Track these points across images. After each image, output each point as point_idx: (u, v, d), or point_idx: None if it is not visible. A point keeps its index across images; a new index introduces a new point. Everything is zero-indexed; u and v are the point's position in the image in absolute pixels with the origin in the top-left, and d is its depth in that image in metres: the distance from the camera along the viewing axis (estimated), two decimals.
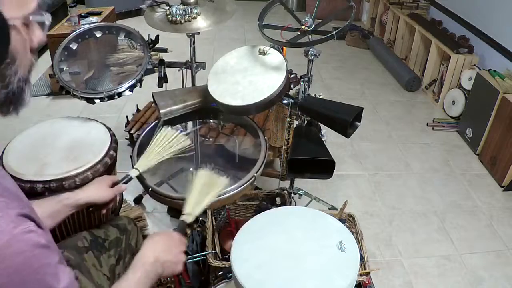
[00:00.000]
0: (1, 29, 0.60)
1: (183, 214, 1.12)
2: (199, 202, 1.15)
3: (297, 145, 1.63)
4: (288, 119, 1.76)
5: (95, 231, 1.21)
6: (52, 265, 0.62)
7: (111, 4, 3.90)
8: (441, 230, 2.20)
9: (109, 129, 1.56)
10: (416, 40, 3.68)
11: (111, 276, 1.14)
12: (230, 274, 1.16)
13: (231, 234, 1.75)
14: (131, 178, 1.24)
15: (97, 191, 1.13)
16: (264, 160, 1.46)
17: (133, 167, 1.28)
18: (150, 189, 1.37)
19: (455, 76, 3.15)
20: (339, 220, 1.36)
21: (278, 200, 1.90)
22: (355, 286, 1.08)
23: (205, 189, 1.18)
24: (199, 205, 1.15)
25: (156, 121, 1.67)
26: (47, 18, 0.70)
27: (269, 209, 1.24)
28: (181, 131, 1.63)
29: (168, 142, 1.34)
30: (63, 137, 1.48)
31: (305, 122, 1.76)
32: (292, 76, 1.63)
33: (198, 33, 1.83)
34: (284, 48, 1.58)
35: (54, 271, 0.62)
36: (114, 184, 1.18)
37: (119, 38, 1.84)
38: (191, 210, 1.13)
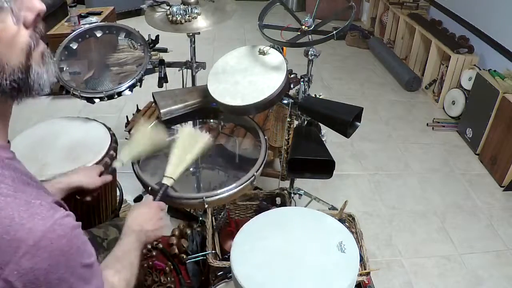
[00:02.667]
0: None
1: (164, 176, 1.20)
2: (181, 162, 1.22)
3: (297, 145, 1.63)
4: (288, 119, 1.76)
5: (94, 230, 1.21)
6: (88, 243, 0.67)
7: (111, 4, 3.90)
8: (441, 230, 2.20)
9: (109, 129, 1.55)
10: (416, 40, 3.68)
11: None
12: (230, 274, 1.16)
13: (231, 234, 1.75)
14: (114, 169, 1.30)
15: (86, 177, 1.18)
16: (264, 159, 1.45)
17: (117, 159, 1.31)
18: (150, 188, 1.37)
19: (455, 76, 3.15)
20: (339, 220, 1.36)
21: (278, 200, 1.90)
22: (355, 286, 1.08)
23: (187, 148, 1.24)
24: (180, 165, 1.22)
25: (156, 121, 1.67)
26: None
27: (269, 209, 1.24)
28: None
29: (146, 136, 1.36)
30: (63, 137, 1.48)
31: (305, 122, 1.76)
32: (292, 76, 1.63)
33: (198, 33, 1.83)
34: (284, 48, 1.58)
35: (88, 247, 0.67)
36: (101, 174, 1.24)
37: (119, 38, 1.84)
38: (173, 172, 1.20)
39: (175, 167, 1.23)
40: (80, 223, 0.64)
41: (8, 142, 0.69)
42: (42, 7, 0.61)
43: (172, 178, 1.22)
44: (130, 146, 1.31)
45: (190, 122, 1.39)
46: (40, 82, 0.64)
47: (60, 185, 1.10)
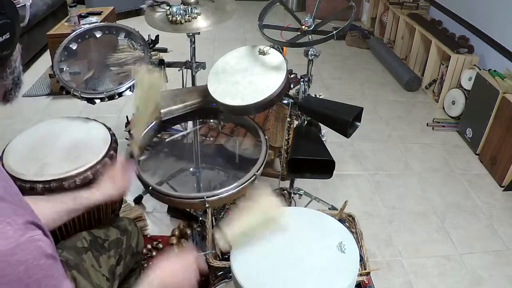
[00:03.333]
0: (18, 20, 0.65)
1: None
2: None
3: (297, 145, 1.63)
4: (288, 119, 1.76)
5: (95, 231, 1.21)
6: (55, 277, 0.61)
7: (111, 4, 3.90)
8: (441, 230, 2.20)
9: (109, 129, 1.55)
10: (416, 40, 3.68)
11: (110, 277, 1.14)
12: (230, 274, 1.16)
13: None
14: (132, 155, 1.21)
15: (113, 185, 1.12)
16: (264, 159, 1.46)
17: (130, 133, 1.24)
18: (150, 188, 1.37)
19: (455, 76, 3.14)
20: (339, 220, 1.36)
21: None
22: (355, 286, 1.08)
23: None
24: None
25: (156, 121, 1.67)
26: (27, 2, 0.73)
27: None
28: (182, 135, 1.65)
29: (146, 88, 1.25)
30: (63, 137, 1.48)
31: (305, 122, 1.76)
32: (292, 76, 1.63)
33: (198, 33, 1.83)
34: (284, 48, 1.58)
35: (57, 283, 0.61)
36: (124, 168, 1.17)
37: (119, 38, 1.84)
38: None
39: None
40: (52, 252, 0.59)
41: None
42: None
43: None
44: (138, 121, 1.28)
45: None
46: (21, 83, 0.73)
47: (87, 201, 1.07)
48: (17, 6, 0.70)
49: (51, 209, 0.98)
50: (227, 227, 1.01)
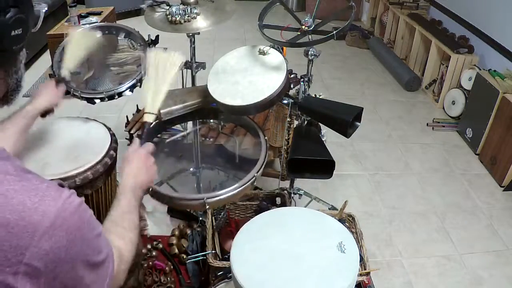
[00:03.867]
0: (32, 17, 0.67)
1: (145, 113, 1.15)
2: (157, 94, 1.17)
3: (297, 145, 1.63)
4: (288, 119, 1.76)
5: None
6: (92, 214, 0.68)
7: (111, 4, 3.90)
8: (441, 230, 2.20)
9: (109, 129, 1.55)
10: (416, 40, 3.68)
11: None
12: (230, 274, 1.16)
13: (231, 234, 1.75)
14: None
15: (49, 97, 1.29)
16: (264, 160, 1.45)
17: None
18: (150, 189, 1.36)
19: (455, 76, 3.15)
20: (339, 220, 1.36)
21: (278, 200, 1.90)
22: (355, 286, 1.08)
23: (160, 75, 1.18)
24: (158, 97, 1.17)
25: (156, 121, 1.67)
26: (43, 8, 0.76)
27: (269, 209, 1.24)
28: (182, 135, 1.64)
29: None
30: (63, 137, 1.48)
31: (305, 122, 1.76)
32: (292, 76, 1.63)
33: (198, 33, 1.83)
34: (284, 48, 1.58)
35: (94, 218, 0.68)
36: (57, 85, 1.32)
37: (119, 38, 1.84)
38: (152, 107, 1.15)
39: (153, 101, 1.17)
40: (83, 198, 0.68)
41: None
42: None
43: (153, 113, 1.16)
44: (69, 53, 1.38)
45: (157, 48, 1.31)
46: (22, 85, 0.74)
47: (32, 113, 1.21)
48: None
49: (14, 133, 1.15)
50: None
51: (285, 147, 1.85)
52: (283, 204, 1.87)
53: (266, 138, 1.56)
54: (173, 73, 1.21)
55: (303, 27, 1.55)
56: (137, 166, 1.04)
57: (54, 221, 0.58)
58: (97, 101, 1.65)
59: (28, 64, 3.57)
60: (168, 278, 1.75)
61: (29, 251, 0.56)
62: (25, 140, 1.40)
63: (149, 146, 1.10)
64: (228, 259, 1.09)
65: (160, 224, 2.07)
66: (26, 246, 0.55)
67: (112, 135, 1.52)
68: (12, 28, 0.61)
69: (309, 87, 1.67)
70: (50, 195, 0.60)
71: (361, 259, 1.46)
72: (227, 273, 1.41)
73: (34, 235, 0.56)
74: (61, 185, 0.65)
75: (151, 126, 1.16)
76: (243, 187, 1.36)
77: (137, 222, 0.93)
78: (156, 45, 1.84)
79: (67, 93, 1.65)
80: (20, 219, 0.56)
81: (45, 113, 1.31)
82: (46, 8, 0.75)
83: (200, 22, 1.71)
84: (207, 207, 1.33)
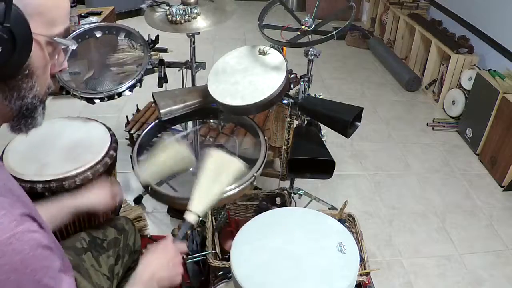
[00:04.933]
0: (24, 40, 0.60)
1: (188, 210, 1.05)
2: (208, 195, 1.07)
3: (297, 145, 1.63)
4: (288, 119, 1.76)
5: (93, 231, 1.21)
6: (52, 269, 0.61)
7: (111, 4, 3.90)
8: (441, 230, 2.20)
9: (109, 129, 1.56)
10: (416, 40, 3.68)
11: (110, 276, 1.14)
12: (230, 274, 1.16)
13: (231, 234, 1.75)
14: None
15: (98, 199, 1.15)
16: (264, 160, 1.45)
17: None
18: (150, 188, 1.37)
19: (455, 76, 3.14)
20: (339, 220, 1.36)
21: (278, 200, 1.90)
22: (355, 286, 1.08)
23: (216, 176, 1.08)
24: (207, 198, 1.06)
25: (156, 121, 1.67)
26: (72, 44, 0.71)
27: (269, 209, 1.24)
28: (182, 135, 1.63)
29: (174, 158, 1.24)
30: (63, 137, 1.48)
31: (305, 122, 1.76)
32: (292, 76, 1.63)
33: (198, 33, 1.83)
34: (284, 48, 1.58)
35: (54, 275, 0.61)
36: (115, 194, 1.19)
37: (119, 38, 1.84)
38: (198, 208, 1.05)
39: (201, 200, 1.06)
40: (48, 243, 0.61)
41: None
42: (66, 67, 0.74)
43: (197, 215, 1.06)
44: (153, 167, 1.24)
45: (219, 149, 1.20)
46: (38, 121, 0.73)
47: (69, 208, 1.09)
48: (62, 47, 0.69)
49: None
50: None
51: (285, 147, 1.85)
52: (283, 204, 1.86)
53: (266, 138, 1.56)
54: (229, 180, 1.12)
55: (303, 27, 1.55)
56: (161, 259, 0.95)
57: None
58: (97, 101, 1.65)
59: None
60: None
61: None
62: (28, 148, 1.39)
63: (183, 246, 1.01)
64: (228, 259, 1.09)
65: (160, 224, 2.07)
66: None
67: (112, 135, 1.52)
68: None
69: (309, 87, 1.67)
70: (2, 223, 0.56)
71: (361, 259, 1.46)
72: (227, 273, 1.41)
73: None
74: (33, 219, 0.60)
75: (190, 227, 1.05)
76: (242, 186, 1.36)
77: None
78: (156, 45, 1.84)
79: (67, 93, 1.65)
80: None
81: (90, 213, 1.17)
82: (75, 46, 0.72)
83: (200, 22, 1.71)
84: None
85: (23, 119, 0.69)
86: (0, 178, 0.64)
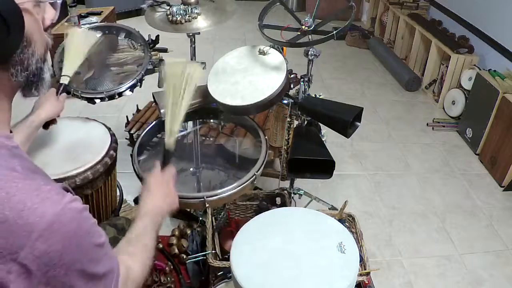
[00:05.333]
0: (15, 16, 0.61)
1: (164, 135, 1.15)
2: (177, 115, 1.14)
3: (297, 145, 1.63)
4: (288, 119, 1.76)
5: None
6: (95, 223, 0.67)
7: (111, 4, 3.90)
8: (441, 230, 2.20)
9: (109, 129, 1.56)
10: (416, 40, 3.68)
11: None
12: (230, 274, 1.16)
13: (231, 234, 1.75)
14: (65, 86, 1.36)
15: (52, 107, 1.29)
16: (264, 159, 1.46)
17: (62, 75, 1.37)
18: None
19: (455, 76, 3.15)
20: (339, 220, 1.36)
21: (278, 200, 1.90)
22: (355, 286, 1.08)
23: (178, 89, 1.15)
24: (177, 119, 1.14)
25: (156, 121, 1.67)
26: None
27: (269, 209, 1.24)
28: (182, 135, 1.64)
29: (78, 41, 1.41)
30: (63, 137, 1.48)
31: (305, 122, 1.76)
32: (292, 76, 1.63)
33: (198, 33, 1.83)
34: (284, 48, 1.58)
35: (97, 228, 0.68)
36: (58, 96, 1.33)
37: (119, 38, 1.84)
38: (171, 129, 1.14)
39: (171, 123, 1.14)
40: (87, 206, 0.66)
41: (11, 132, 0.71)
42: (57, 17, 0.75)
43: (174, 131, 1.15)
44: (68, 58, 1.39)
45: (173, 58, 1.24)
46: (46, 80, 0.73)
47: (35, 123, 1.23)
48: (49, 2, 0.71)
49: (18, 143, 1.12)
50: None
51: (285, 147, 1.85)
52: (283, 204, 1.87)
53: (266, 137, 1.56)
54: (192, 87, 1.16)
55: (303, 27, 1.55)
56: (156, 194, 1.04)
57: (51, 224, 0.57)
58: (97, 101, 1.65)
59: None
60: (168, 278, 1.75)
61: (24, 251, 0.55)
62: (28, 149, 1.40)
63: (170, 170, 1.11)
64: (228, 259, 1.09)
65: None
66: (22, 245, 0.55)
67: (112, 135, 1.52)
68: None
69: (309, 87, 1.67)
70: (51, 198, 0.60)
71: (361, 259, 1.46)
72: (227, 273, 1.41)
73: (30, 236, 0.56)
74: (66, 190, 0.65)
75: (171, 151, 1.14)
76: (243, 185, 1.36)
77: (151, 245, 0.92)
78: (156, 45, 1.84)
79: (68, 93, 1.65)
80: (18, 217, 0.56)
81: (47, 124, 1.32)
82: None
83: (201, 22, 1.71)
84: (207, 205, 1.33)
85: (33, 84, 0.71)
86: (27, 157, 0.67)
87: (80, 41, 1.44)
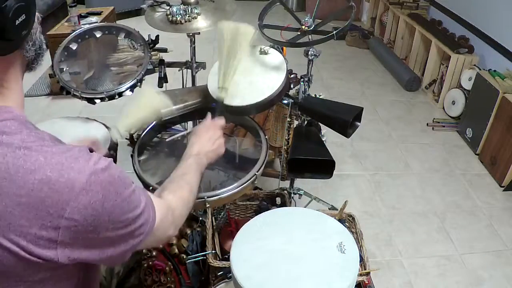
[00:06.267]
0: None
1: (218, 88, 1.20)
2: (229, 69, 1.19)
3: (297, 145, 1.63)
4: (288, 119, 1.76)
5: None
6: (122, 171, 0.71)
7: (111, 4, 3.90)
8: (441, 230, 2.20)
9: (109, 129, 1.55)
10: (416, 40, 3.68)
11: (107, 276, 1.14)
12: (230, 274, 1.16)
13: (231, 234, 1.75)
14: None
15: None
16: (265, 159, 1.45)
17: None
18: (151, 188, 1.37)
19: (455, 76, 3.15)
20: (339, 220, 1.36)
21: (278, 200, 1.90)
22: (355, 286, 1.08)
23: (232, 49, 1.21)
24: (230, 72, 1.20)
25: (156, 121, 1.67)
26: None
27: (269, 209, 1.24)
28: (182, 135, 1.64)
29: (147, 101, 1.30)
30: (63, 137, 1.47)
31: (305, 122, 1.76)
32: (292, 76, 1.63)
33: (198, 33, 1.83)
34: (284, 48, 1.58)
35: (125, 175, 0.71)
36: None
37: (119, 38, 1.84)
38: (224, 82, 1.20)
39: (224, 76, 1.20)
40: (111, 159, 0.71)
41: None
42: None
43: (226, 88, 1.20)
44: (129, 114, 1.26)
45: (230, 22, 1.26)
46: (44, 49, 0.76)
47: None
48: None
49: None
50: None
51: (285, 147, 1.85)
52: (283, 204, 1.86)
53: (266, 137, 1.56)
54: (244, 48, 1.23)
55: (303, 27, 1.55)
56: (203, 137, 1.10)
57: (89, 177, 0.62)
58: (98, 101, 1.65)
59: None
60: (168, 278, 1.75)
61: (70, 206, 0.60)
62: None
63: (221, 120, 1.17)
64: (228, 259, 1.09)
65: None
66: (67, 201, 0.60)
67: None
68: (15, 18, 0.62)
69: (309, 87, 1.67)
70: (83, 156, 0.65)
71: (361, 259, 1.46)
72: (227, 273, 1.41)
73: (73, 191, 0.61)
74: (91, 150, 0.69)
75: (222, 103, 1.22)
76: (243, 186, 1.36)
77: (194, 184, 0.98)
78: (156, 45, 1.84)
79: (68, 93, 1.65)
80: (60, 176, 0.60)
81: None
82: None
83: (201, 22, 1.71)
84: (208, 206, 1.33)
85: (38, 57, 0.75)
86: (46, 132, 0.70)
87: (152, 103, 1.30)
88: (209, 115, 1.18)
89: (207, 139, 1.10)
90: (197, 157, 1.04)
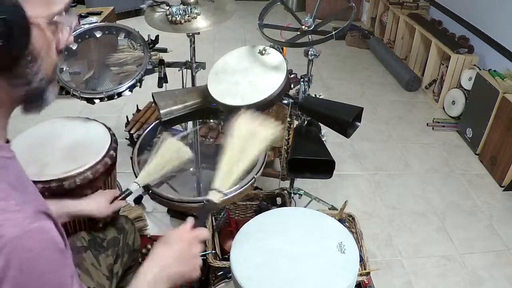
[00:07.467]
0: (21, 27, 0.60)
1: (212, 190, 0.94)
2: (232, 170, 0.98)
3: (297, 145, 1.63)
4: (288, 119, 1.76)
5: (93, 230, 1.21)
6: (61, 274, 0.61)
7: (111, 4, 3.90)
8: (441, 230, 2.19)
9: (109, 129, 1.55)
10: (416, 40, 3.68)
11: (109, 276, 1.14)
12: (230, 274, 1.16)
13: (231, 234, 1.75)
14: (130, 193, 1.22)
15: (98, 206, 1.16)
16: (264, 160, 1.45)
17: (134, 181, 1.22)
18: (150, 191, 1.37)
19: (455, 76, 3.14)
20: (339, 220, 1.36)
21: (278, 200, 1.90)
22: (355, 286, 1.08)
23: (243, 147, 1.00)
24: (232, 174, 0.98)
25: (156, 121, 1.67)
26: (72, 21, 0.70)
27: (269, 209, 1.24)
28: (182, 136, 1.63)
29: (171, 154, 1.23)
30: (63, 137, 1.48)
31: (305, 122, 1.76)
32: (292, 76, 1.63)
33: (198, 33, 1.83)
34: (284, 48, 1.58)
35: (62, 280, 0.61)
36: (114, 199, 1.20)
37: (119, 38, 1.84)
38: (222, 183, 0.98)
39: (225, 178, 0.96)
40: (62, 246, 0.60)
41: (8, 141, 0.70)
42: (72, 41, 0.73)
43: (221, 192, 0.96)
44: (148, 170, 1.22)
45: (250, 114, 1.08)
46: (48, 100, 0.72)
47: (68, 210, 1.11)
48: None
49: None
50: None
51: (285, 147, 1.85)
52: (283, 204, 1.86)
53: None
54: (260, 149, 1.00)
55: (303, 27, 1.55)
56: (173, 251, 0.84)
57: (5, 245, 0.54)
58: (97, 101, 1.65)
59: None
60: None
61: None
62: (28, 148, 1.40)
63: (204, 232, 0.90)
64: (228, 259, 1.09)
65: (160, 224, 2.07)
66: None
67: (112, 135, 1.52)
68: None
69: (309, 87, 1.67)
70: (15, 219, 0.56)
71: (361, 259, 1.46)
72: (227, 273, 1.41)
73: None
74: (48, 215, 0.61)
75: (213, 206, 0.96)
76: (242, 188, 1.36)
77: None
78: (156, 45, 1.84)
79: (67, 93, 1.65)
80: None
81: (90, 220, 1.19)
82: (76, 21, 0.71)
83: (200, 22, 1.71)
84: None
85: (33, 102, 0.70)
86: (14, 170, 0.63)
87: (174, 153, 1.23)
88: (190, 220, 0.89)
89: (178, 254, 0.83)
90: (156, 280, 0.79)
